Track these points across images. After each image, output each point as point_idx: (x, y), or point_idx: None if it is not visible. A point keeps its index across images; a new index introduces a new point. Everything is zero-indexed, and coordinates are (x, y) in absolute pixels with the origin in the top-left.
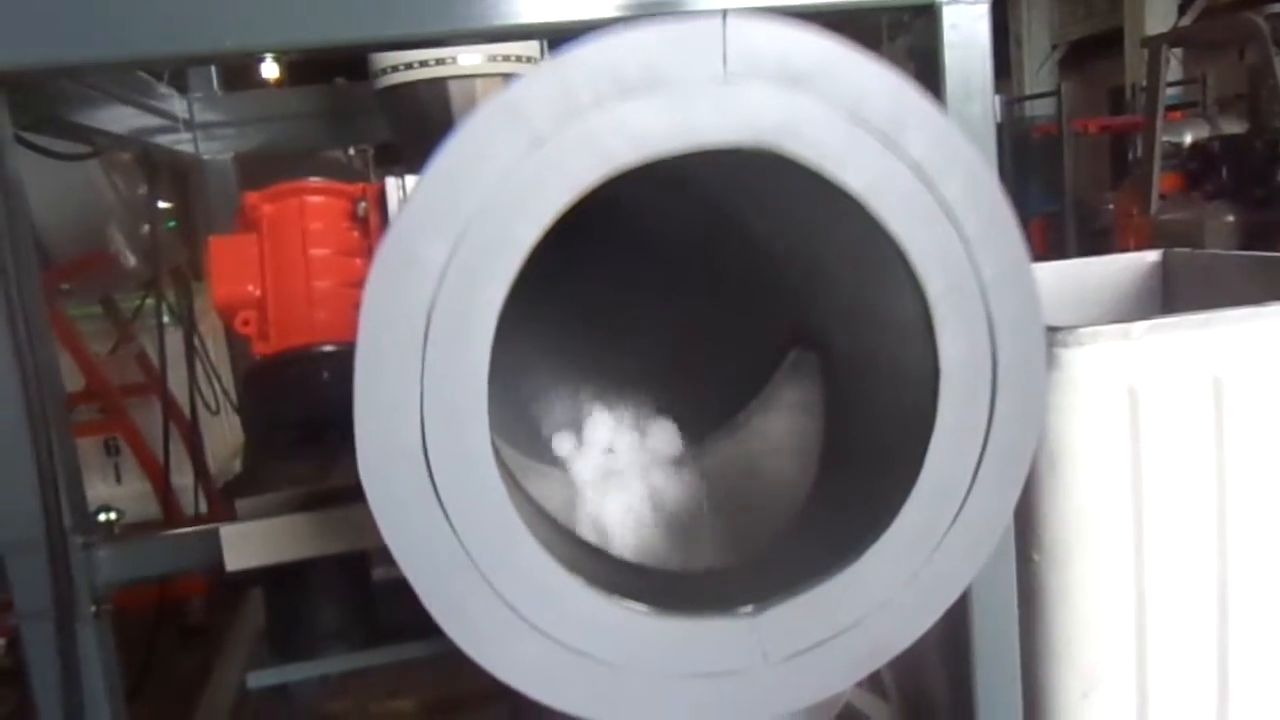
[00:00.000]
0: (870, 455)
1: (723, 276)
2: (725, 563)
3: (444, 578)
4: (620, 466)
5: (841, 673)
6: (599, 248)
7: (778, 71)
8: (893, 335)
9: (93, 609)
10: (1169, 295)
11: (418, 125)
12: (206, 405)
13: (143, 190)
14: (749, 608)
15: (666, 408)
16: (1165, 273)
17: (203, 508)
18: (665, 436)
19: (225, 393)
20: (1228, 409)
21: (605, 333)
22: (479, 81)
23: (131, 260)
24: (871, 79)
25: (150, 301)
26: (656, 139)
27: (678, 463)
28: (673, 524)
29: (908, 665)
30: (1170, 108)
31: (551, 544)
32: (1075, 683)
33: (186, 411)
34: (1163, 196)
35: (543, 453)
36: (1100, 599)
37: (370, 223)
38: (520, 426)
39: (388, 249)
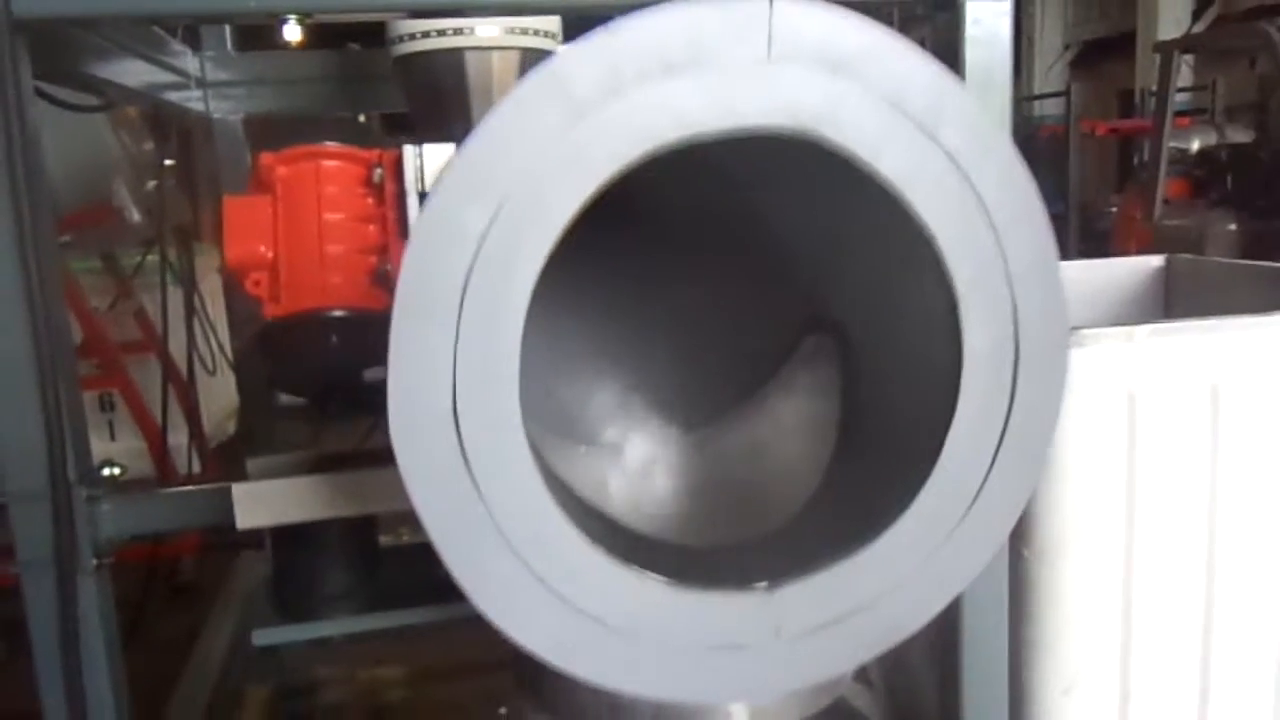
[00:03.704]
0: (887, 440)
1: (743, 260)
2: (739, 541)
3: (468, 542)
4: (638, 445)
5: (852, 652)
6: (621, 227)
7: (821, 56)
8: (915, 323)
9: (94, 562)
10: (1170, 301)
11: (431, 94)
12: (204, 366)
13: (149, 146)
14: (764, 584)
15: (685, 388)
16: (1168, 278)
17: (196, 468)
18: (682, 417)
19: (224, 352)
20: (1224, 416)
21: (626, 313)
22: (495, 54)
23: (135, 216)
24: (912, 68)
25: (150, 259)
26: (698, 118)
27: (694, 442)
28: (689, 502)
29: (894, 655)
30: (1179, 113)
31: (573, 515)
32: (1058, 680)
33: (183, 371)
34: (1167, 202)
35: (564, 431)
36: (1087, 598)
37: (385, 190)
38: (543, 405)
39: (429, 213)
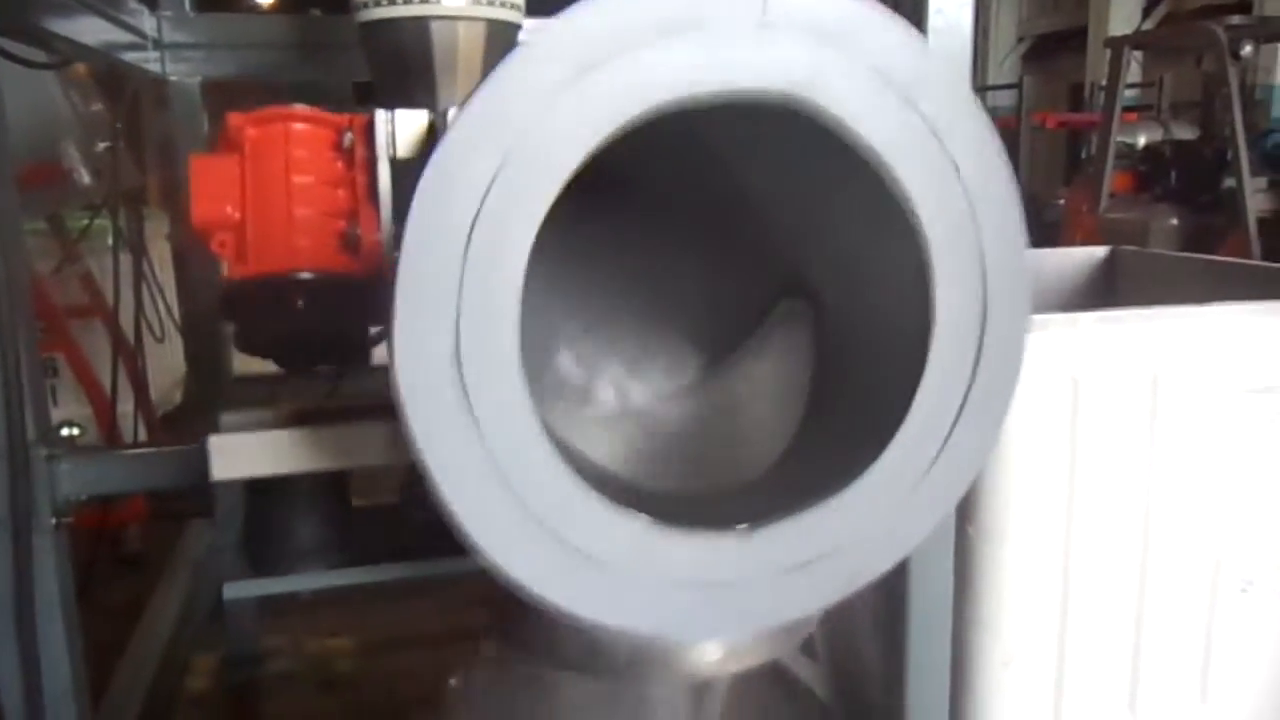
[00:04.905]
0: (858, 398)
1: (723, 226)
2: (717, 490)
3: (468, 481)
4: (617, 401)
5: (825, 591)
6: (604, 193)
7: (812, 24)
8: (888, 291)
9: (52, 522)
10: (1114, 291)
11: (395, 63)
12: (152, 332)
13: (98, 107)
14: (743, 526)
15: (663, 347)
16: (1112, 269)
17: (142, 435)
18: (660, 374)
19: (173, 319)
20: (1163, 402)
21: (606, 272)
22: (461, 24)
23: (86, 178)
24: (896, 39)
25: (98, 222)
26: (695, 80)
27: (672, 399)
28: (667, 455)
29: (839, 626)
30: (1126, 109)
31: (567, 457)
32: (997, 652)
33: (130, 337)
34: (1112, 195)
35: (551, 388)
36: (1027, 575)
37: (355, 155)
38: (529, 361)
39: (437, 161)
